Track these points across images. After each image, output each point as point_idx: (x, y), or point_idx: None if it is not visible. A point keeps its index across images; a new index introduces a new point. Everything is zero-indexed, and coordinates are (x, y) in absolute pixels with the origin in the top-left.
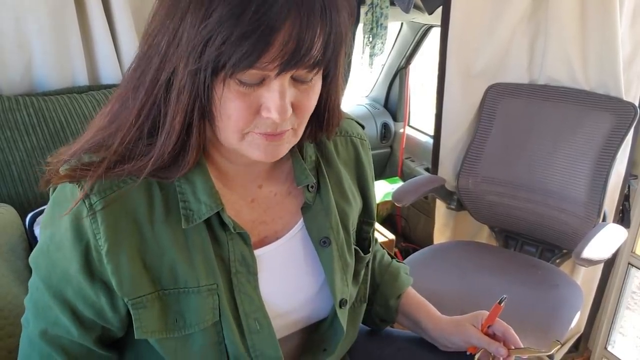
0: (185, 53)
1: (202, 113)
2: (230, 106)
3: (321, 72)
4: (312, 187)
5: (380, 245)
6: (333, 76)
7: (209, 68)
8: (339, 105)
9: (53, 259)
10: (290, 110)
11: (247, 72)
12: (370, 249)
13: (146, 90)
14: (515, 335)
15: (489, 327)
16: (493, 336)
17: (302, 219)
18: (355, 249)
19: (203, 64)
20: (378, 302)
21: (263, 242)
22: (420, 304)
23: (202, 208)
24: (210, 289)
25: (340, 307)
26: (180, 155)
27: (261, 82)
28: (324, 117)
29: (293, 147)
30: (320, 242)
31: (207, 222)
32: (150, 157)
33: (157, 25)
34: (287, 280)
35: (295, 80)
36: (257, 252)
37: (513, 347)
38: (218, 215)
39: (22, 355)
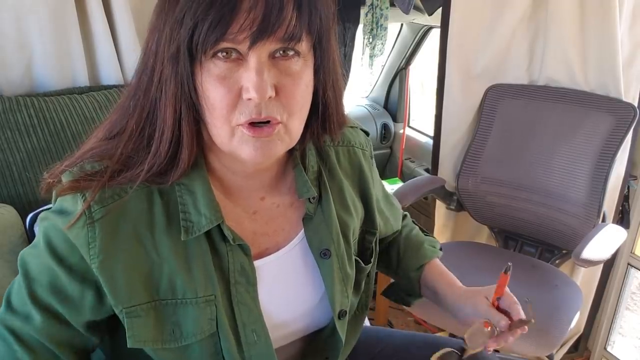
0: (167, 41)
1: (188, 105)
2: (211, 93)
3: (310, 61)
4: (313, 198)
5: (413, 221)
6: (324, 67)
7: (185, 49)
8: (339, 103)
9: (42, 258)
10: (270, 90)
11: (219, 46)
12: (372, 259)
13: (144, 93)
14: (520, 310)
15: (498, 299)
16: (501, 309)
17: (303, 230)
18: (355, 259)
19: (180, 45)
20: (401, 275)
21: (264, 253)
22: (443, 274)
23: (202, 220)
24: (208, 300)
25: (339, 318)
26: (175, 157)
27: (238, 62)
28: (323, 115)
29: (296, 158)
30: (321, 254)
31: (207, 233)
32: (148, 160)
33: (150, 32)
34: (287, 291)
35: (276, 60)
36: (256, 262)
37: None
38: (219, 226)
39: None
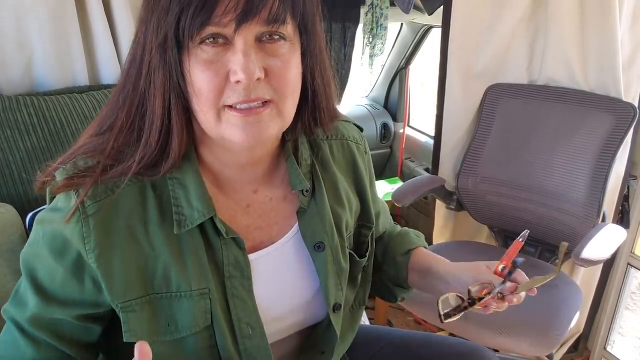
0: (155, 31)
1: (178, 94)
2: (199, 78)
3: (297, 45)
4: (307, 191)
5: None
6: (311, 53)
7: (172, 36)
8: (329, 92)
9: (42, 257)
10: (259, 72)
11: (205, 31)
12: (368, 254)
13: (134, 86)
14: (525, 276)
15: (503, 269)
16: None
17: (297, 223)
18: (350, 253)
19: (168, 32)
20: (387, 263)
21: (258, 247)
22: (435, 255)
23: (194, 214)
24: (202, 293)
25: (334, 311)
26: (166, 147)
27: (226, 47)
28: (314, 104)
29: (288, 150)
30: (315, 247)
31: (201, 227)
32: (139, 152)
33: (138, 26)
34: (282, 284)
35: (263, 44)
36: (251, 256)
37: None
38: (212, 220)
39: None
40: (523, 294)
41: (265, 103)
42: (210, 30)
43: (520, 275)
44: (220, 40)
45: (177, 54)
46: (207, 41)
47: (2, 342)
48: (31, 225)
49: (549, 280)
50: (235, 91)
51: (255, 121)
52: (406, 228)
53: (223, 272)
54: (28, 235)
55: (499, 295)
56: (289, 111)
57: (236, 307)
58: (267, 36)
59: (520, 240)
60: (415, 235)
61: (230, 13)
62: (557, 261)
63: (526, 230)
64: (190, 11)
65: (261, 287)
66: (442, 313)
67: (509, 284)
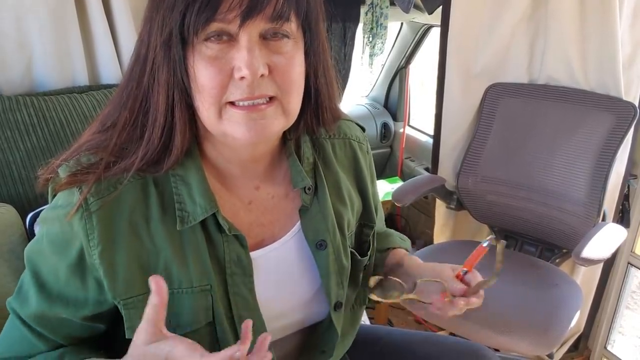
0: (160, 28)
1: (181, 90)
2: (203, 74)
3: (300, 43)
4: (309, 189)
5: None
6: (314, 51)
7: (177, 33)
8: (331, 92)
9: (45, 255)
10: (262, 68)
11: (210, 27)
12: (369, 253)
13: (137, 83)
14: (479, 277)
15: (464, 272)
16: (465, 282)
17: (299, 221)
18: (351, 251)
19: (172, 29)
20: None
21: (260, 245)
22: (410, 255)
23: (197, 210)
24: (203, 289)
25: (335, 309)
26: (169, 144)
27: (230, 44)
28: (316, 103)
29: (289, 147)
30: (317, 245)
31: (203, 223)
32: (142, 148)
33: (143, 25)
34: (283, 282)
35: (267, 41)
36: (253, 254)
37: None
38: (214, 216)
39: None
40: (474, 300)
41: (270, 100)
42: (215, 26)
43: (475, 278)
44: (225, 37)
45: (182, 51)
46: (212, 38)
47: (12, 337)
48: (31, 225)
49: (491, 283)
50: (239, 87)
51: (258, 117)
52: (393, 230)
53: (224, 269)
54: (28, 235)
55: (451, 296)
56: (294, 108)
57: (237, 304)
58: (271, 33)
59: (484, 245)
60: (400, 238)
61: (234, 9)
62: (498, 261)
63: (491, 236)
64: (195, 7)
65: (262, 284)
66: (371, 286)
67: (459, 287)
